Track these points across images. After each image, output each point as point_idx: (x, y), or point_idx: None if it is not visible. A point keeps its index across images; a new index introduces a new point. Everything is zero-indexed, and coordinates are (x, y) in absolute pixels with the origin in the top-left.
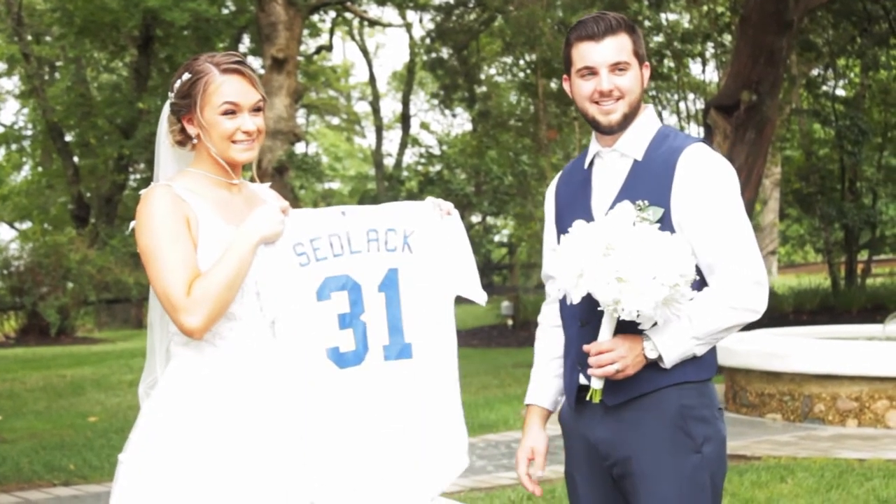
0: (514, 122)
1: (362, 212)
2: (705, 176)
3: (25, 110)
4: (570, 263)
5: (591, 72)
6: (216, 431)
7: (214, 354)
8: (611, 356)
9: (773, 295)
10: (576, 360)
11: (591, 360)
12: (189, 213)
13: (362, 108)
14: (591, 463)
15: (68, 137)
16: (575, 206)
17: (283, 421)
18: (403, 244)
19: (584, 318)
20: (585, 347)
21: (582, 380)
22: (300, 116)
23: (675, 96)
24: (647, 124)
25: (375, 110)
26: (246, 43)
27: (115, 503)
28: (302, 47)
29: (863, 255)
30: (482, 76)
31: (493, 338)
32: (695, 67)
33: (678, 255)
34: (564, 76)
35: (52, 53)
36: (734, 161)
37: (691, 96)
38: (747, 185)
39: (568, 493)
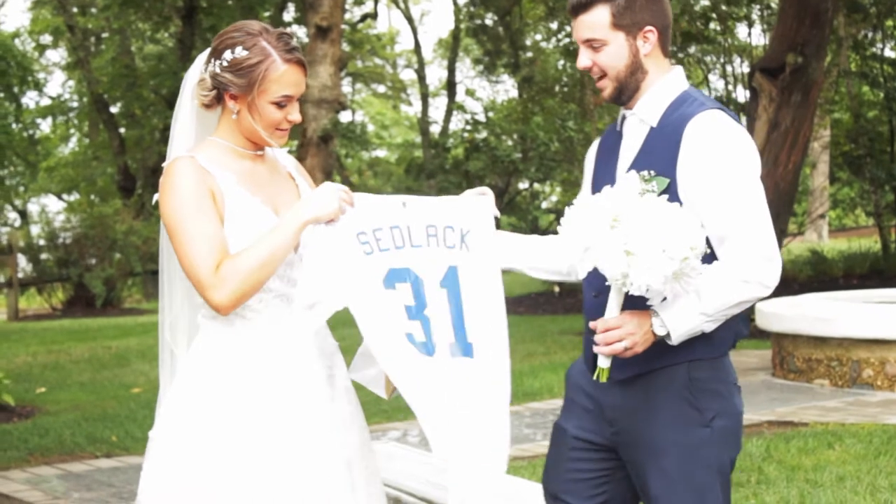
0: (559, 87)
1: (422, 204)
2: (713, 146)
3: (71, 82)
4: (575, 236)
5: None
6: (246, 407)
7: (245, 327)
8: (618, 333)
9: (822, 259)
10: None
11: (597, 338)
12: (214, 186)
13: (408, 75)
14: (594, 421)
15: (114, 109)
16: (605, 169)
17: (313, 398)
18: (461, 242)
19: (597, 290)
20: (592, 324)
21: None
22: (346, 85)
23: (722, 59)
24: (668, 88)
25: (421, 78)
26: (291, 12)
27: (145, 480)
28: (347, 15)
29: None
30: (527, 42)
31: (540, 305)
32: (741, 31)
33: (687, 227)
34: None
35: (97, 25)
36: (780, 124)
37: (738, 60)
38: (794, 149)
39: (550, 444)
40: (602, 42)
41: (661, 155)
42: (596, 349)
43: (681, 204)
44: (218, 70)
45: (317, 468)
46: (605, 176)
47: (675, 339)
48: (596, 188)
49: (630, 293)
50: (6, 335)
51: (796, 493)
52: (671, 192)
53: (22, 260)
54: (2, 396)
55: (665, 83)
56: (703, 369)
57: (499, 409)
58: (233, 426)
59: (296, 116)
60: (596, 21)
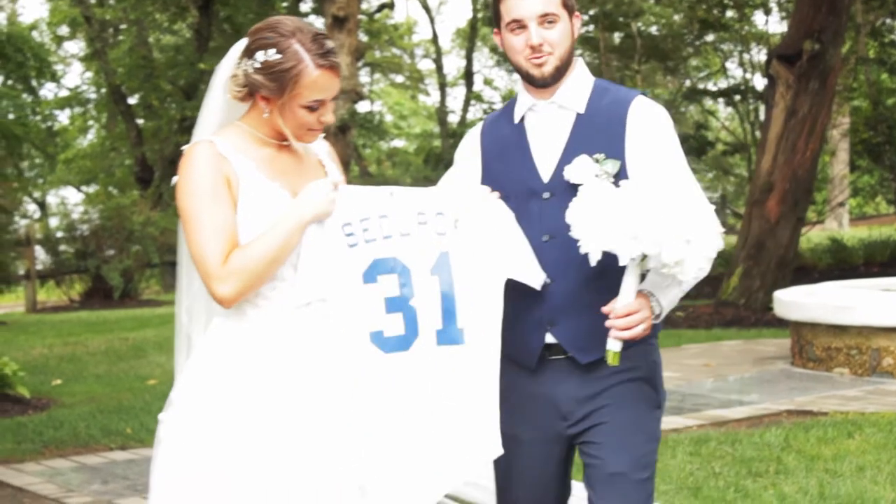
0: None
1: (410, 194)
2: (656, 126)
3: (89, 74)
4: (616, 225)
5: (520, 25)
6: (257, 394)
7: (256, 315)
8: (639, 317)
9: (842, 247)
10: (543, 319)
11: (619, 322)
12: (230, 172)
13: (426, 65)
14: (545, 422)
15: (131, 100)
16: (510, 159)
17: (324, 387)
18: (453, 228)
19: (551, 232)
20: (605, 309)
21: (548, 338)
22: (363, 75)
23: (739, 48)
24: (583, 76)
25: (439, 67)
26: (308, 2)
27: (157, 462)
28: (364, 5)
29: None
30: None
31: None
32: (758, 19)
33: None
34: (495, 30)
35: (115, 16)
36: (797, 112)
37: (755, 48)
38: (811, 136)
39: (504, 456)
40: (555, 17)
41: (601, 139)
42: (618, 335)
43: (623, 177)
44: (250, 70)
45: (327, 457)
46: (512, 165)
47: (661, 317)
48: (502, 184)
49: (682, 279)
50: (24, 327)
51: (815, 483)
52: (620, 173)
53: (40, 252)
54: (17, 389)
55: (581, 71)
56: (657, 353)
57: (488, 392)
58: (244, 412)
59: (328, 118)
60: None
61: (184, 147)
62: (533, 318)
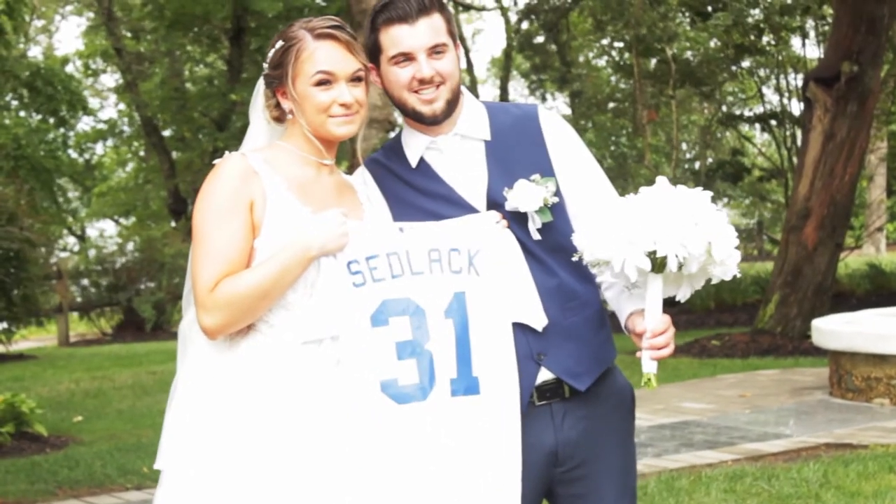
0: (612, 104)
1: (422, 229)
2: (569, 133)
3: (122, 106)
4: (665, 236)
5: (407, 58)
6: (258, 427)
7: (250, 348)
8: (672, 333)
9: (881, 273)
10: (535, 351)
11: (655, 342)
12: (256, 190)
13: None
14: (537, 472)
15: (166, 132)
16: (419, 201)
17: (326, 444)
18: (469, 265)
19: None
20: (639, 329)
21: (544, 375)
22: None
23: (775, 72)
24: (474, 103)
25: (475, 96)
26: None
27: None
28: None
29: None
30: (580, 58)
31: None
32: (795, 43)
33: None
34: (370, 65)
35: (149, 48)
36: (835, 135)
37: (792, 73)
38: (850, 160)
39: None
40: (445, 47)
41: (522, 159)
42: (654, 355)
43: (560, 193)
44: (265, 71)
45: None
46: (447, 212)
47: None
48: (407, 219)
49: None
50: (53, 361)
51: None
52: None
53: (75, 285)
54: (35, 427)
55: (469, 98)
56: (623, 374)
57: (509, 445)
58: (246, 449)
59: (347, 97)
60: (438, 26)
61: (216, 161)
62: (522, 350)
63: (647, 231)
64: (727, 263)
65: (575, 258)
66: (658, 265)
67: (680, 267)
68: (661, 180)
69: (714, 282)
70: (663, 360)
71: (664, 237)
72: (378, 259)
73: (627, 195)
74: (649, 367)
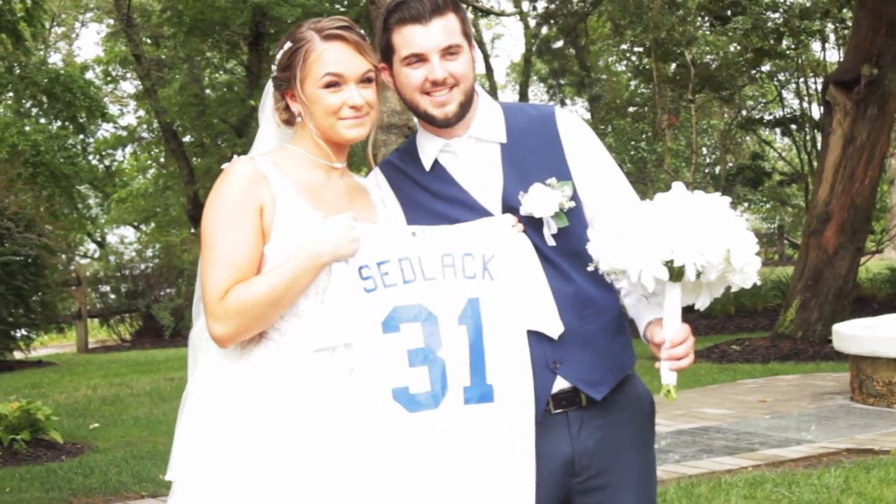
0: (631, 108)
1: (435, 233)
2: (588, 135)
3: (141, 112)
4: (686, 244)
5: (420, 59)
6: (270, 437)
7: (262, 357)
8: (692, 342)
9: None
10: (550, 360)
11: (674, 352)
12: (265, 195)
13: None
14: (553, 481)
15: (186, 138)
16: (448, 209)
17: (338, 453)
18: (483, 270)
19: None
20: (657, 339)
21: (560, 384)
22: None
23: (795, 76)
24: (490, 104)
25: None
26: None
27: None
28: None
29: None
30: (599, 63)
31: None
32: (815, 47)
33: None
34: (383, 65)
35: (169, 55)
36: (856, 139)
37: (811, 77)
38: (870, 164)
39: None
40: (459, 48)
41: (538, 162)
42: (673, 366)
43: (577, 197)
44: (274, 73)
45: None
46: (461, 216)
47: None
48: (421, 223)
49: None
50: (71, 367)
51: None
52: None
53: (94, 292)
54: (50, 434)
55: (486, 99)
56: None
57: (523, 454)
58: (259, 458)
59: (357, 99)
60: (452, 26)
61: (224, 165)
62: (537, 357)
63: (664, 239)
64: (746, 271)
65: (590, 268)
66: (676, 274)
67: (698, 275)
68: (678, 186)
69: (734, 290)
70: None
71: (681, 245)
72: (389, 264)
73: (644, 201)
74: (668, 378)
